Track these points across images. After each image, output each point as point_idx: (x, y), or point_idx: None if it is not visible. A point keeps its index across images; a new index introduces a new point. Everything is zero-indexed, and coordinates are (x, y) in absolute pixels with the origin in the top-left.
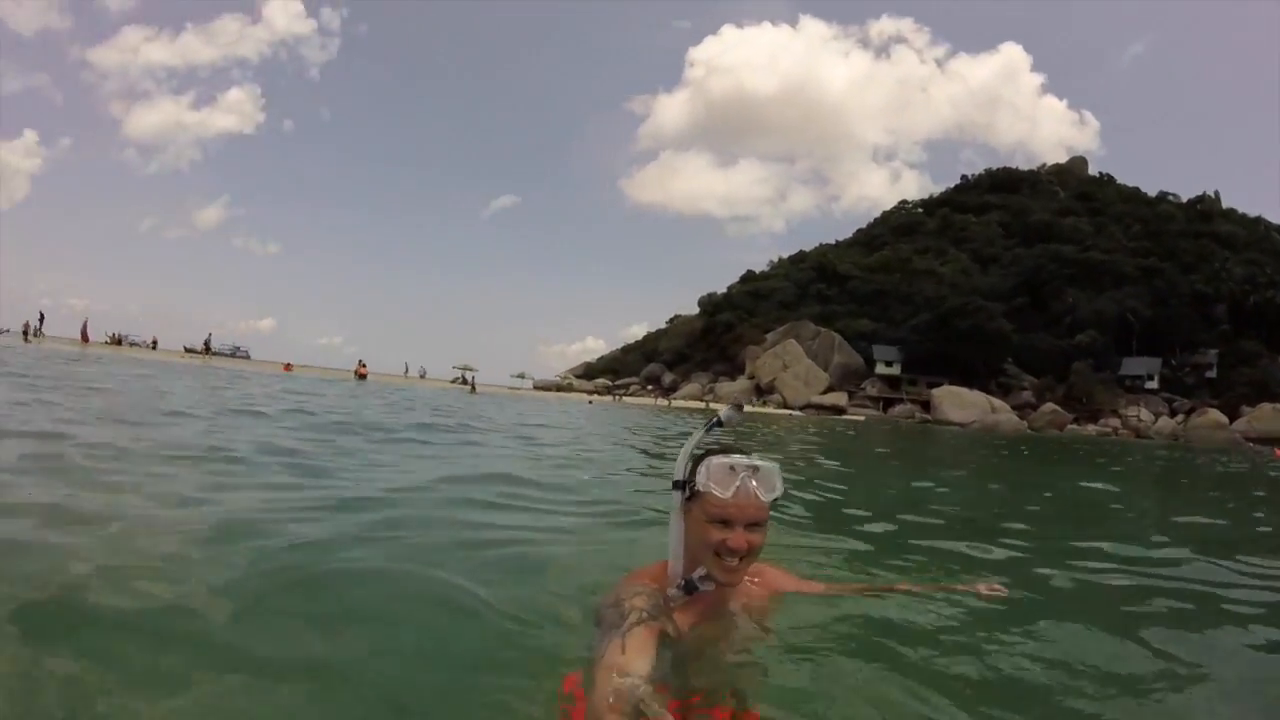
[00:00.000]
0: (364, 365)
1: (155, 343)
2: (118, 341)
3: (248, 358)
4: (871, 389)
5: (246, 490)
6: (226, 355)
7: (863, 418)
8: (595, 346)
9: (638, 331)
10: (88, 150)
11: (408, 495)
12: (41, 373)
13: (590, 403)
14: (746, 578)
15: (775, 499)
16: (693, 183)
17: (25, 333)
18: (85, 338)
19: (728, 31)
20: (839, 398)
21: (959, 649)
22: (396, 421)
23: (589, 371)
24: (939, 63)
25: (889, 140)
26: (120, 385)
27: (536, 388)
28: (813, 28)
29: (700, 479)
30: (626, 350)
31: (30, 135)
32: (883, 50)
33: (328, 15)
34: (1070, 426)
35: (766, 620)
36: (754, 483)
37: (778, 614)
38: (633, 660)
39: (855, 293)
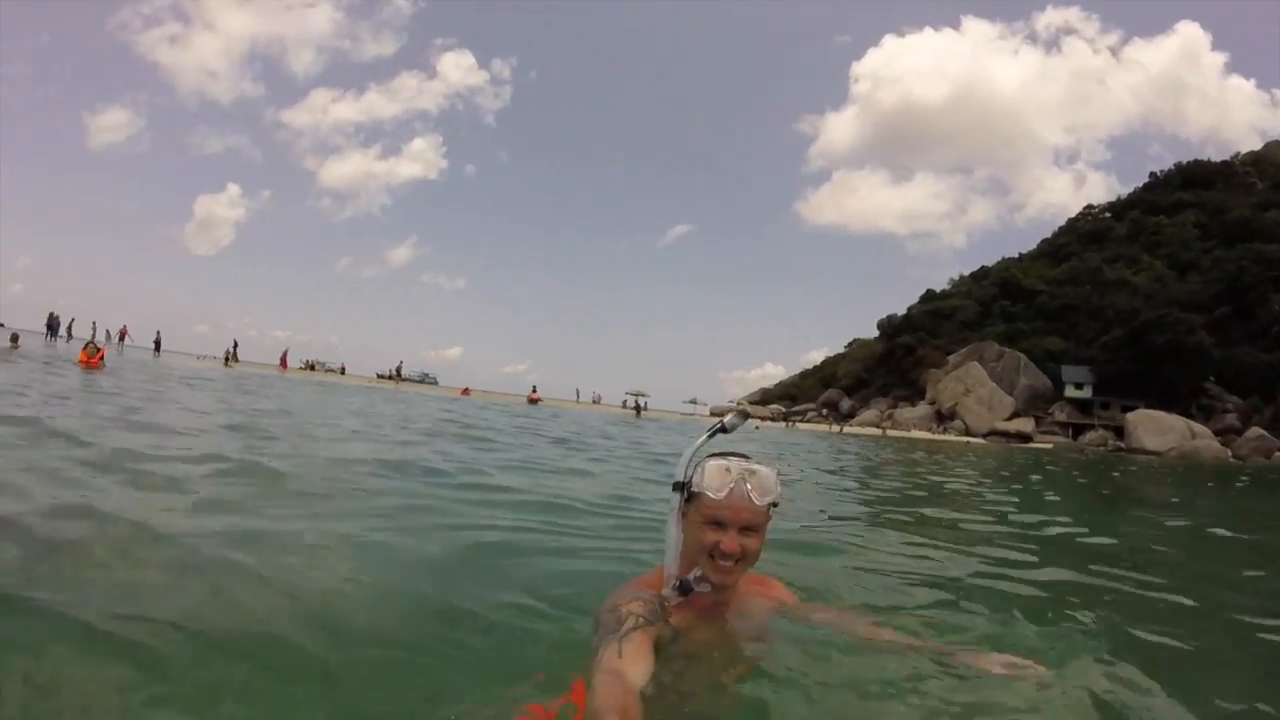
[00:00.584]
0: (535, 391)
1: (343, 369)
2: (311, 367)
3: (435, 383)
4: (1060, 414)
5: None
6: (415, 381)
7: (1050, 445)
8: (774, 372)
9: (816, 357)
10: (287, 200)
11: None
12: (250, 389)
13: (757, 428)
14: (754, 589)
15: (771, 504)
16: (868, 201)
17: (225, 358)
18: (284, 364)
19: (889, 42)
20: (1025, 424)
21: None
22: (511, 436)
23: (765, 397)
24: (1113, 51)
25: (1069, 141)
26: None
27: (712, 413)
28: (976, 28)
29: (696, 480)
30: (804, 376)
31: (234, 189)
32: (1052, 44)
33: (498, 66)
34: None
35: (764, 631)
36: (748, 485)
37: (778, 627)
38: (629, 664)
39: (1042, 309)
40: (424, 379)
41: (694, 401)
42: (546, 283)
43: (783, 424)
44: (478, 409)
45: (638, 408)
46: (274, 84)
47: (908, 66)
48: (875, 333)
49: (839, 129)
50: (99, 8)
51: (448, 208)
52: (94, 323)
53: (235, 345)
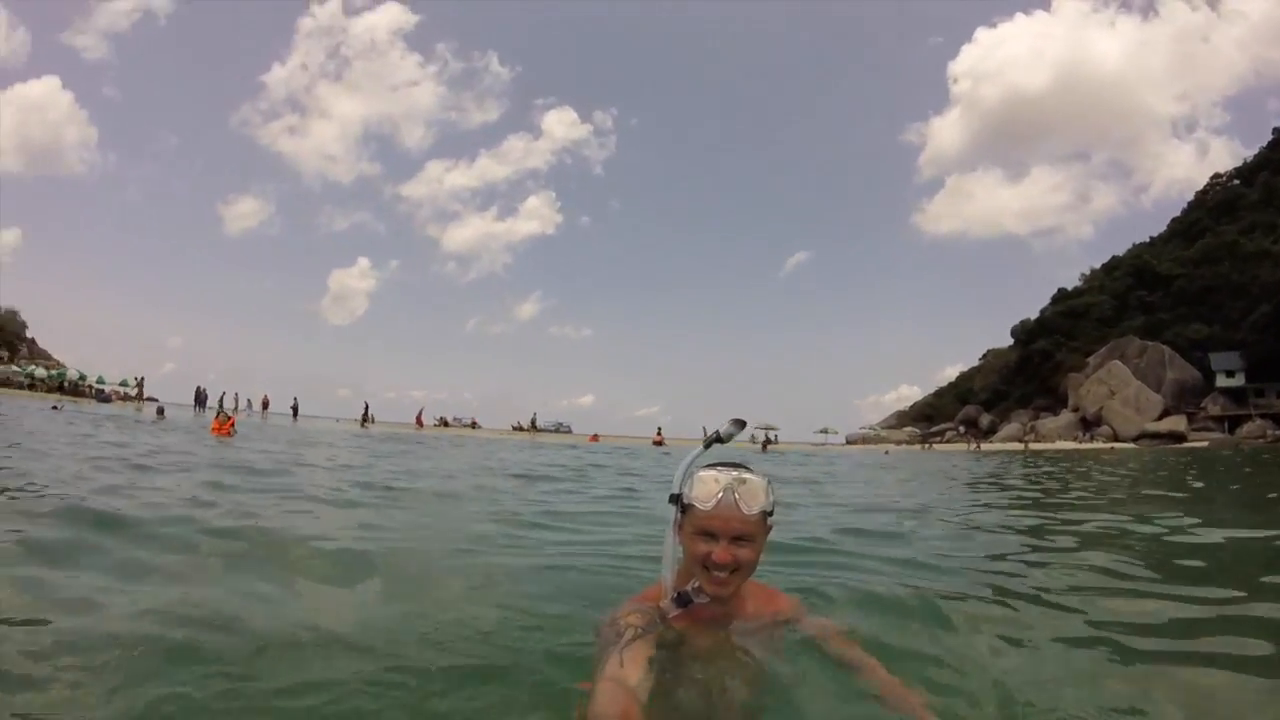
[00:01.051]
0: (660, 433)
1: (474, 423)
2: (445, 423)
3: (569, 431)
4: (1213, 407)
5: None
6: (550, 431)
7: (1205, 443)
8: (910, 394)
9: (951, 373)
10: (414, 268)
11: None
12: (379, 448)
13: (887, 453)
14: (757, 600)
15: (763, 513)
16: (986, 203)
17: (362, 419)
18: (419, 422)
19: (982, 35)
20: (1177, 422)
21: None
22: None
23: (901, 420)
24: (1211, 4)
25: (1184, 108)
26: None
27: (849, 442)
28: (1068, 5)
29: (687, 491)
30: (940, 394)
31: (363, 261)
32: (1148, 8)
33: (600, 117)
34: None
35: (765, 643)
36: (736, 495)
37: (781, 640)
38: (630, 673)
39: (1181, 294)
40: (558, 428)
41: (825, 431)
42: (669, 324)
43: (919, 447)
44: (594, 452)
45: (765, 441)
46: (390, 161)
47: (1005, 58)
48: (1009, 341)
49: (945, 133)
50: (221, 108)
51: (568, 260)
52: (235, 394)
53: (366, 407)
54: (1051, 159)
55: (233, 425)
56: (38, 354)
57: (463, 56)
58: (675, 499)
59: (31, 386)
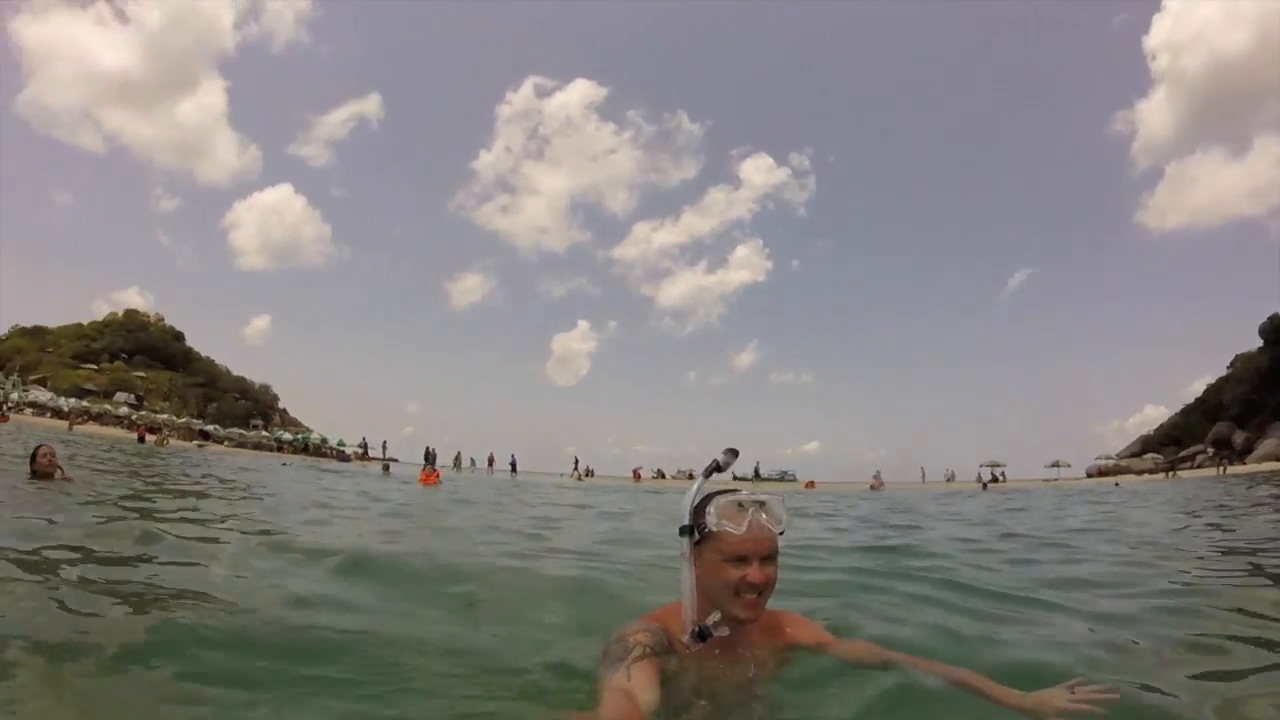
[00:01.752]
0: (878, 476)
1: (690, 474)
2: (661, 475)
3: (794, 479)
4: None
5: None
6: (775, 479)
7: None
8: (1155, 415)
9: (1198, 386)
10: (631, 326)
11: None
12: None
13: (1117, 484)
14: (770, 625)
15: (783, 531)
16: (1212, 187)
17: (578, 473)
18: (637, 476)
19: (1170, 3)
20: None
21: None
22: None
23: (1146, 445)
24: None
25: None
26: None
27: (1087, 475)
28: None
29: (711, 520)
30: (1187, 412)
31: (583, 324)
32: None
33: (796, 159)
34: None
35: (778, 672)
36: (763, 516)
37: (792, 667)
38: (637, 688)
39: None
40: (783, 476)
41: (1057, 465)
42: (890, 361)
43: (1163, 476)
44: (806, 498)
45: (991, 479)
46: (598, 227)
47: (1201, 21)
48: (1259, 342)
49: (1154, 117)
50: (438, 196)
51: (781, 305)
52: (458, 452)
53: (576, 461)
54: (1275, 126)
55: (438, 477)
56: (289, 422)
57: (654, 120)
58: (690, 530)
59: (279, 449)
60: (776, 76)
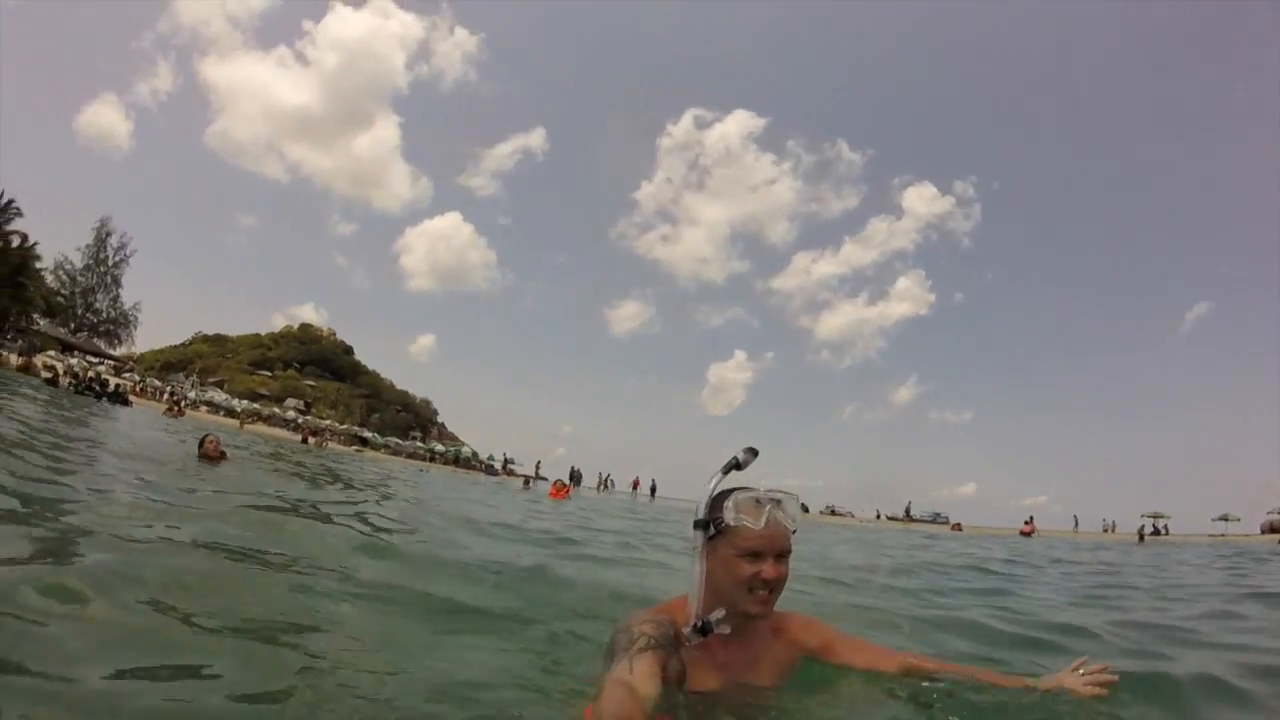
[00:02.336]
0: (1030, 522)
1: (832, 510)
2: (805, 510)
3: (946, 522)
4: None
5: None
6: (926, 521)
7: None
8: None
9: None
10: (788, 358)
11: None
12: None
13: None
14: (770, 628)
15: (795, 530)
16: None
17: None
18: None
19: None
20: None
21: None
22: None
23: None
24: None
25: None
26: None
27: (1261, 531)
28: None
29: (729, 515)
30: None
31: (740, 354)
32: None
33: (960, 187)
34: None
35: (782, 671)
36: (780, 513)
37: (797, 666)
38: (639, 680)
39: None
40: (935, 518)
41: (1225, 518)
42: (1055, 401)
43: None
44: (950, 543)
45: (1152, 530)
46: (758, 257)
47: None
48: None
49: None
50: (600, 225)
51: (944, 340)
52: (600, 473)
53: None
54: None
55: (568, 492)
56: (446, 435)
57: (814, 150)
58: (704, 524)
59: (430, 459)
60: (938, 103)
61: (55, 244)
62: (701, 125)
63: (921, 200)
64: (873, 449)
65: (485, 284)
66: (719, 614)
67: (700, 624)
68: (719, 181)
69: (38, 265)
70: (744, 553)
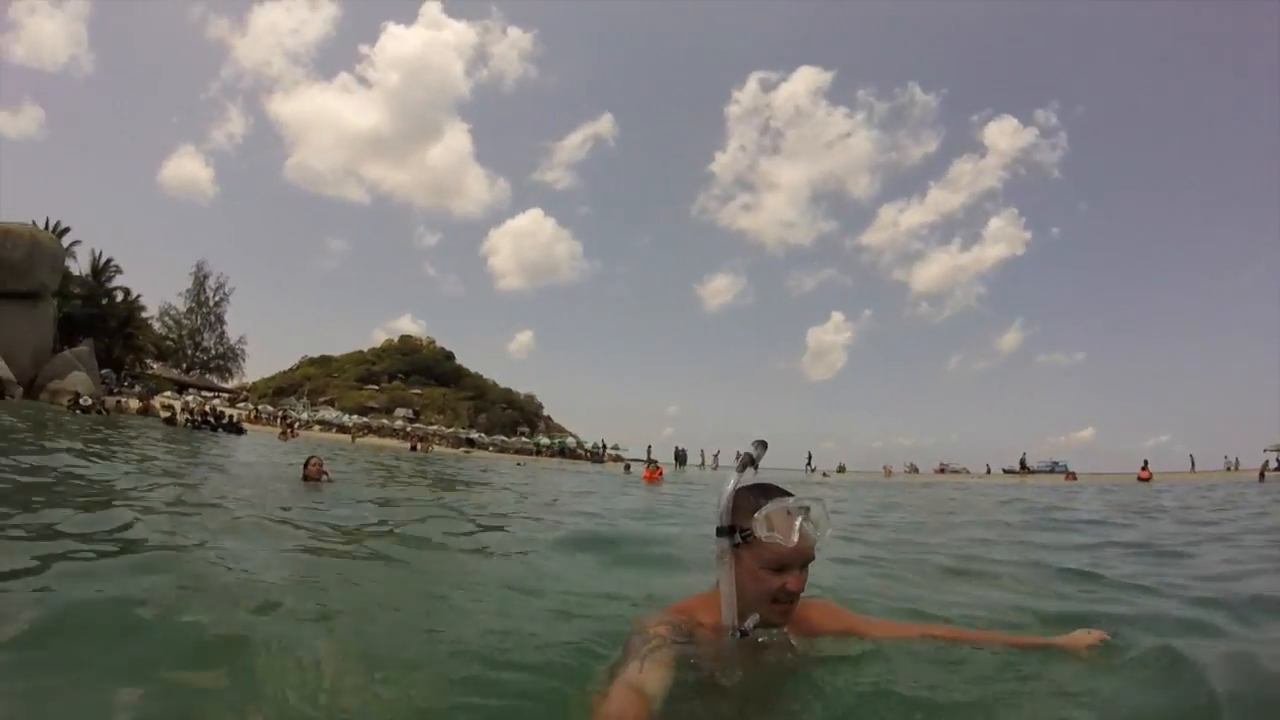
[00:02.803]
0: (1146, 467)
1: (943, 468)
2: (915, 470)
3: (1064, 472)
4: None
5: None
6: (1044, 471)
7: None
8: None
9: None
10: (886, 314)
11: None
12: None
13: None
14: (794, 619)
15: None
16: None
17: (808, 466)
18: (888, 471)
19: None
20: None
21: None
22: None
23: None
24: None
25: None
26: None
27: None
28: None
29: (760, 529)
30: None
31: (837, 316)
32: None
33: (1042, 116)
34: None
35: (805, 661)
36: (809, 524)
37: (820, 654)
38: (648, 681)
39: None
40: (1053, 468)
41: None
42: (1171, 331)
43: None
44: (1052, 494)
45: (1274, 467)
46: (843, 214)
47: None
48: None
49: None
50: (680, 202)
51: (1044, 278)
52: (702, 450)
53: (810, 456)
54: None
55: (661, 474)
56: (553, 428)
57: (886, 96)
58: (729, 531)
59: (537, 453)
60: (1007, 28)
61: (158, 292)
62: (767, 87)
63: (1004, 135)
64: (982, 400)
65: (574, 274)
66: (754, 620)
67: (740, 632)
68: (793, 142)
69: (144, 315)
70: (770, 565)
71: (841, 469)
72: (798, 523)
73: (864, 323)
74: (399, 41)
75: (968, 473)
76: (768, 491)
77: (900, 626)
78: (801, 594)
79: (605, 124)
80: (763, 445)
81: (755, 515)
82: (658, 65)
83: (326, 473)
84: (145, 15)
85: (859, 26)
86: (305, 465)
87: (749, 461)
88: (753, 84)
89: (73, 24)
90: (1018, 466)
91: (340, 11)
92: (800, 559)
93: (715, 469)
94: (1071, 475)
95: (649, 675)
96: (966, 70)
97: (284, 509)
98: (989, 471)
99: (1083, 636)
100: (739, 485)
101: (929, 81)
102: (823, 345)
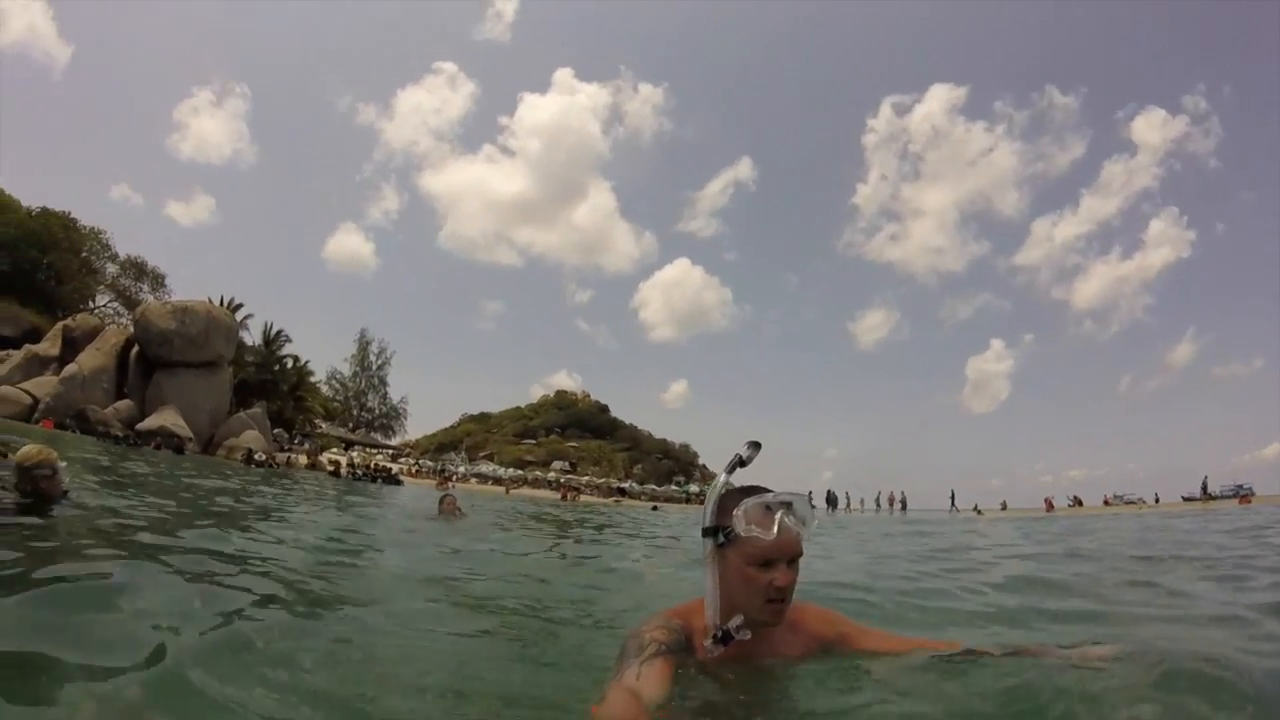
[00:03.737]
0: None
1: (1108, 499)
2: (1079, 503)
3: (1250, 495)
4: None
5: None
6: (1229, 496)
7: None
8: None
9: None
10: (1048, 337)
11: None
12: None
13: None
14: (784, 624)
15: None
16: None
17: (950, 504)
18: (1049, 505)
19: None
20: None
21: None
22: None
23: None
24: None
25: None
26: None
27: None
28: None
29: (739, 525)
30: None
31: (996, 343)
32: None
33: (1190, 102)
34: None
35: (799, 668)
36: (791, 518)
37: (814, 661)
38: (645, 685)
39: None
40: (1237, 492)
41: None
42: None
43: None
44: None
45: None
46: (994, 234)
47: None
48: None
49: None
50: (825, 239)
51: (1214, 281)
52: (847, 493)
53: (953, 495)
54: None
55: None
56: (707, 476)
57: (1024, 104)
58: (714, 532)
59: (687, 500)
60: (1134, 13)
61: (326, 358)
62: (901, 111)
63: (1152, 128)
64: (1158, 420)
65: (725, 321)
66: (738, 621)
67: (721, 634)
68: (934, 165)
69: (312, 379)
70: (755, 561)
71: (1004, 506)
72: (777, 516)
73: (1025, 348)
74: (536, 110)
75: (1143, 503)
76: (750, 490)
77: (897, 638)
78: (791, 594)
79: (744, 168)
80: (755, 446)
81: (735, 512)
82: (789, 103)
83: (460, 509)
84: (298, 108)
85: (985, 36)
86: (440, 502)
87: (738, 463)
88: (886, 109)
89: (233, 121)
90: (1198, 492)
91: (478, 88)
92: (785, 554)
93: (861, 510)
94: (1245, 498)
95: (646, 681)
96: (1102, 65)
97: (408, 530)
98: (1157, 501)
99: (1094, 649)
100: (725, 487)
101: (1066, 82)
102: (983, 375)
